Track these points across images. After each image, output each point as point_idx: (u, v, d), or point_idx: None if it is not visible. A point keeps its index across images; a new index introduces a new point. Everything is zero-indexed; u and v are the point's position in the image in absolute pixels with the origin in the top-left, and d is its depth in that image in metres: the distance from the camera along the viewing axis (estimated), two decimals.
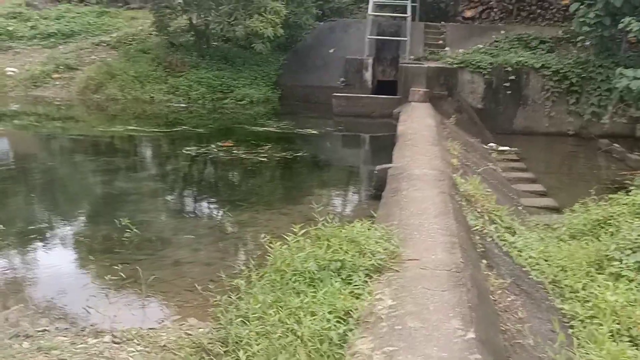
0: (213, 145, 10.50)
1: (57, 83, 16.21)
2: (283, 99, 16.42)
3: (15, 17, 20.41)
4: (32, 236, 5.98)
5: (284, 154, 9.98)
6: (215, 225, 6.48)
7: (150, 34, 18.24)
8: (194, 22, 17.39)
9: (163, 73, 16.21)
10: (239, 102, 15.72)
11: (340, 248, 4.44)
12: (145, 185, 8.05)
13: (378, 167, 7.57)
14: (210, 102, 15.57)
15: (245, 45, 17.22)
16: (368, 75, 15.66)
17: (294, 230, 4.58)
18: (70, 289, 4.80)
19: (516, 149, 12.21)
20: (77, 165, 9.38)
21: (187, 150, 10.04)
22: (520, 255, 5.86)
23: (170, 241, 5.99)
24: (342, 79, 15.72)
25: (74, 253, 5.62)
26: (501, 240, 6.08)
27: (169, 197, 7.61)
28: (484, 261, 5.08)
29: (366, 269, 4.23)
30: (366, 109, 14.37)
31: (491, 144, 12.63)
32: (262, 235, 5.66)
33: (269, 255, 4.46)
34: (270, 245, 4.50)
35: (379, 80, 16.17)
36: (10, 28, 19.52)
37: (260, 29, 15.33)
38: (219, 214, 6.75)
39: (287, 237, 4.62)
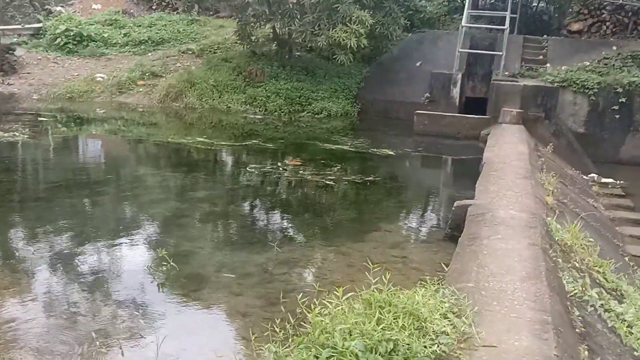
0: (280, 163, 9.82)
1: (140, 90, 16.33)
2: (362, 114, 15.58)
3: (111, 25, 21.03)
4: (54, 259, 5.45)
5: (354, 177, 9.07)
6: (262, 262, 5.69)
7: (236, 43, 18.07)
8: (278, 31, 16.97)
9: (242, 83, 15.89)
10: (316, 116, 15.06)
11: (395, 322, 3.48)
12: (199, 206, 7.44)
13: (456, 204, 6.48)
14: (286, 115, 15.03)
15: (328, 56, 16.56)
16: (455, 91, 14.42)
17: (337, 292, 3.69)
18: (76, 337, 4.17)
19: (622, 182, 10.56)
20: (137, 179, 8.97)
21: (251, 168, 9.42)
22: (631, 333, 4.59)
23: (209, 280, 5.27)
24: (426, 95, 14.60)
25: (94, 290, 4.95)
26: (606, 310, 4.82)
27: (219, 224, 6.93)
28: (585, 346, 3.91)
29: (425, 357, 3.24)
30: (451, 129, 13.17)
31: (592, 175, 11.02)
32: (300, 290, 4.87)
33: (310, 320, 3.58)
34: (308, 309, 3.62)
35: (467, 97, 14.92)
36: (105, 35, 20.10)
37: (344, 40, 14.59)
38: (269, 248, 5.96)
39: (330, 299, 3.73)
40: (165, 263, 5.26)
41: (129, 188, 8.37)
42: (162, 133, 12.83)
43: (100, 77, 16.94)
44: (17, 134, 10.76)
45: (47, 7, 23.25)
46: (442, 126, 13.22)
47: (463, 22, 15.08)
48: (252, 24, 16.85)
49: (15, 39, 20.31)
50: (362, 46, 14.87)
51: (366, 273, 4.07)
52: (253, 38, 17.15)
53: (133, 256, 5.75)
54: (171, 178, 8.96)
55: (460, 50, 14.68)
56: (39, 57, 18.90)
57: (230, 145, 11.56)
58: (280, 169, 9.50)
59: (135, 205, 7.46)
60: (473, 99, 14.75)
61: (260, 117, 14.71)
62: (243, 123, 14.08)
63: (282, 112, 15.13)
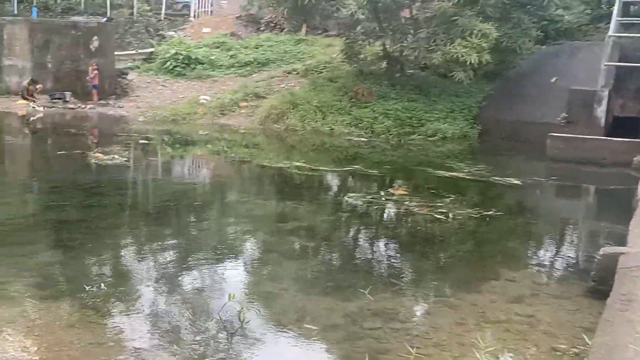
0: (384, 192, 9.10)
1: (242, 111, 16.51)
2: (483, 136, 14.54)
3: (218, 47, 21.82)
4: (110, 297, 4.98)
5: (470, 210, 8.06)
6: (352, 311, 4.97)
7: (343, 62, 17.84)
8: (388, 48, 16.45)
9: (347, 103, 15.49)
10: (429, 138, 14.25)
11: None
12: (287, 241, 6.89)
13: (602, 251, 5.35)
14: (395, 137, 14.36)
15: (444, 73, 15.70)
16: (600, 110, 12.96)
17: None
18: None
19: None
20: (226, 206, 8.68)
21: (350, 197, 8.77)
22: None
23: (286, 331, 4.64)
24: (563, 115, 13.28)
25: (153, 336, 4.48)
26: None
27: (308, 261, 6.30)
28: None
29: None
30: (593, 154, 11.71)
31: None
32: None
33: None
34: None
35: (615, 116, 13.35)
36: (212, 57, 20.84)
37: (462, 56, 13.70)
38: (362, 295, 5.22)
39: None
40: (241, 307, 4.73)
41: (216, 216, 8.09)
42: (260, 156, 12.69)
43: (204, 99, 17.41)
44: (116, 156, 11.04)
45: (160, 32, 24.69)
46: (583, 151, 11.84)
47: (610, 32, 13.79)
48: (360, 41, 16.54)
49: (130, 64, 21.73)
50: (484, 62, 13.88)
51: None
52: (361, 56, 16.83)
53: (205, 297, 5.21)
54: (262, 206, 8.58)
55: (607, 63, 13.27)
56: (149, 81, 19.96)
57: (330, 171, 11.07)
58: (384, 198, 8.75)
59: (220, 236, 7.06)
60: (622, 118, 13.17)
61: (365, 139, 14.17)
62: (347, 146, 13.63)
63: (391, 134, 14.51)
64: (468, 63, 13.76)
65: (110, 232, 6.94)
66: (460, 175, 10.49)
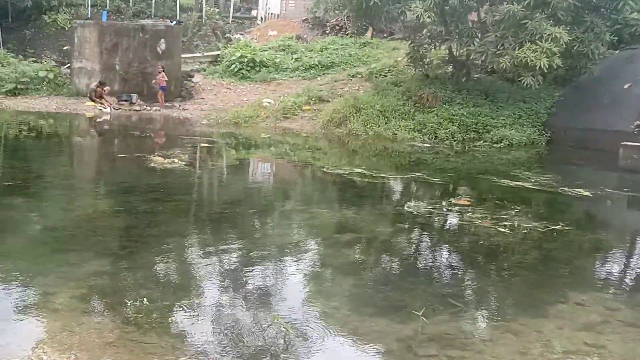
0: (445, 202, 8.75)
1: (305, 115, 16.47)
2: (552, 144, 13.96)
3: (283, 50, 21.94)
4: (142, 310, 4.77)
5: (536, 224, 7.62)
6: (406, 335, 4.68)
7: (408, 66, 17.54)
8: (454, 52, 16.01)
9: (411, 108, 15.20)
10: (494, 145, 13.83)
11: None
12: (343, 254, 6.57)
13: None
14: (459, 143, 14.01)
15: (512, 78, 15.14)
16: None
17: None
18: None
19: None
20: (281, 215, 8.32)
21: (410, 207, 8.46)
22: None
23: (334, 356, 4.45)
24: (637, 123, 12.53)
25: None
26: None
27: (362, 278, 5.93)
28: None
29: None
30: None
31: None
32: None
33: None
34: None
35: None
36: (277, 60, 20.98)
37: (532, 60, 13.12)
38: (415, 316, 4.91)
39: None
40: (286, 329, 4.54)
41: (272, 226, 7.72)
42: (321, 161, 12.54)
43: (267, 102, 17.48)
44: (176, 160, 10.97)
45: (227, 35, 25.06)
46: None
47: None
48: (426, 45, 16.22)
49: (196, 66, 22.16)
50: (555, 67, 13.26)
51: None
52: (426, 60, 16.50)
53: (251, 315, 4.93)
54: (320, 214, 8.31)
55: None
56: (214, 83, 20.29)
57: (391, 178, 10.81)
58: (445, 209, 8.42)
59: (273, 249, 6.66)
60: None
61: (429, 145, 13.87)
62: (409, 152, 13.36)
63: (455, 140, 14.17)
64: (537, 68, 13.20)
65: (161, 240, 6.66)
66: (527, 185, 10.02)
